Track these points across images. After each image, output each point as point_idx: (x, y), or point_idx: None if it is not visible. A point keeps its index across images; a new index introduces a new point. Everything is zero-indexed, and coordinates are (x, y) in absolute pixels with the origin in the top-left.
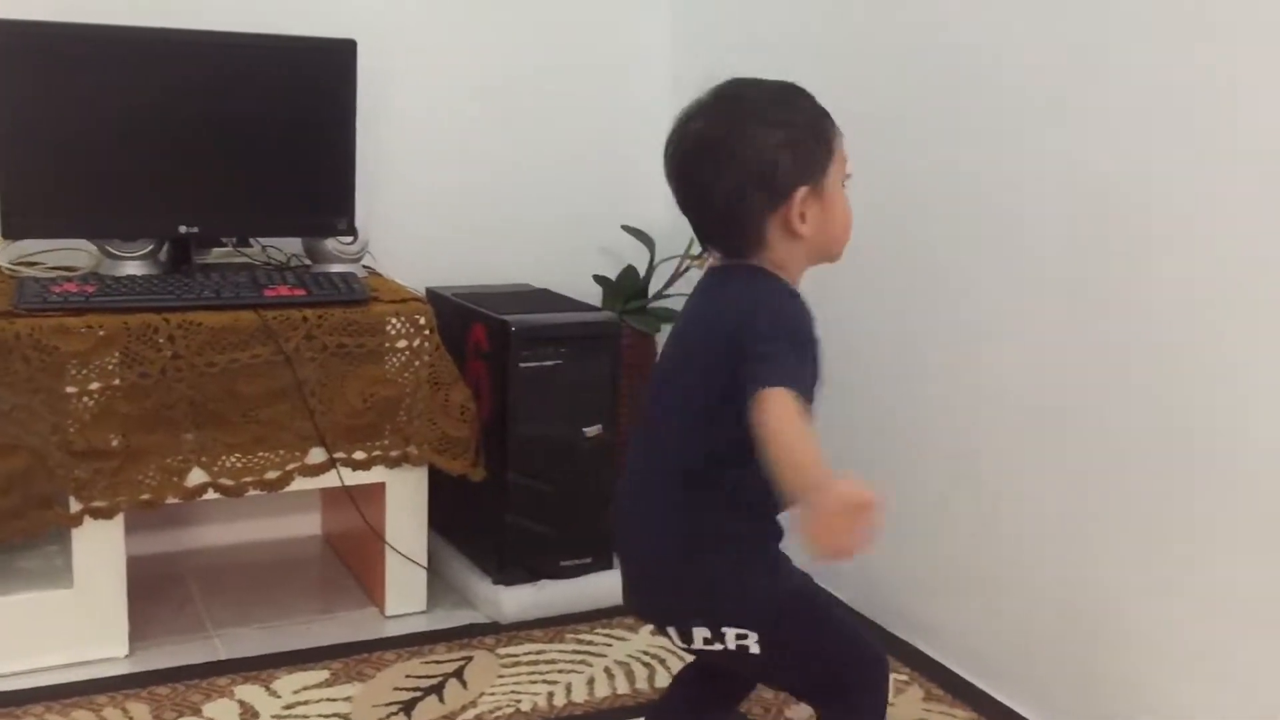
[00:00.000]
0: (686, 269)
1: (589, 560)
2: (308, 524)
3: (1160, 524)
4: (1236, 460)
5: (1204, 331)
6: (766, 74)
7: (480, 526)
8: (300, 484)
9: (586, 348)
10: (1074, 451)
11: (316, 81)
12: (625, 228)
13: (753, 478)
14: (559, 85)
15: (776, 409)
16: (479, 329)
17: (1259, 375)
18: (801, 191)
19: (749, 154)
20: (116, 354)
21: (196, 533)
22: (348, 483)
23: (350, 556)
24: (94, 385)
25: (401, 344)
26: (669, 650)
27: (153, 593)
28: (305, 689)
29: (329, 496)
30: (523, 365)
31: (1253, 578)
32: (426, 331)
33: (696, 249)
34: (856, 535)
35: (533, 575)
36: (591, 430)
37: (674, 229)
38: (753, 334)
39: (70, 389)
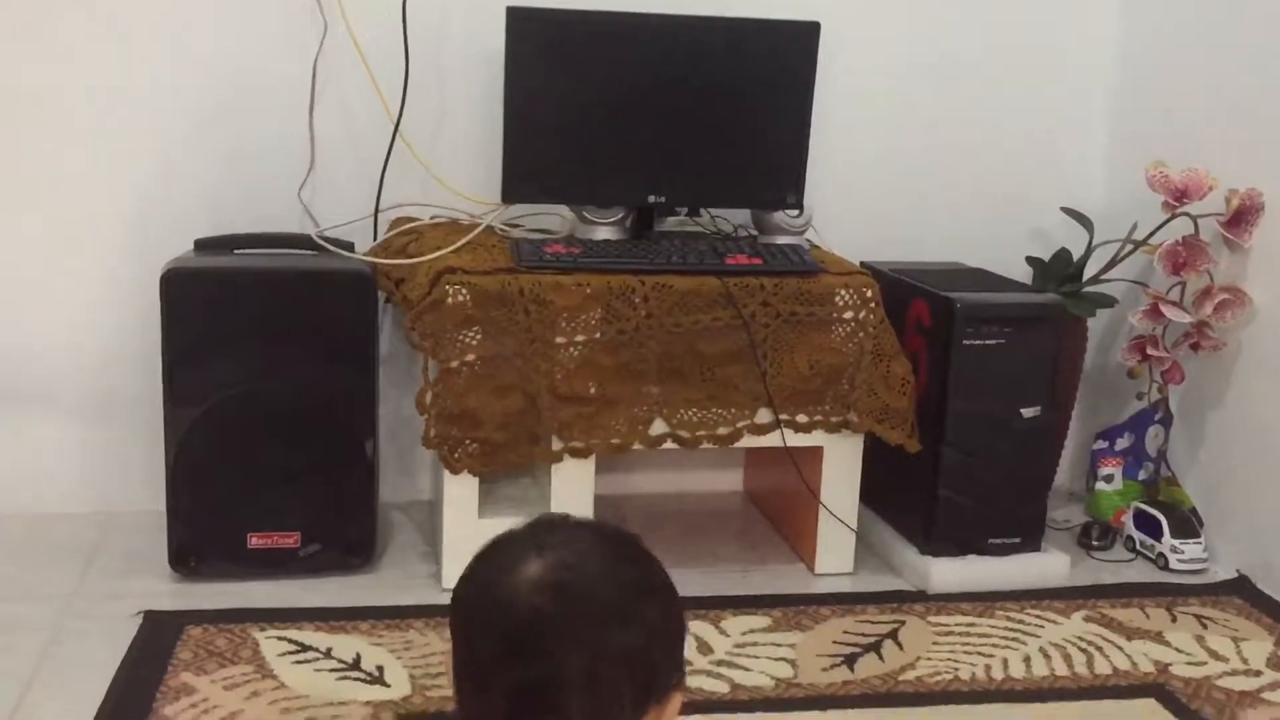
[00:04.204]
0: (1129, 254)
1: (1018, 540)
2: (730, 480)
3: None
4: None
5: None
6: (1222, 67)
7: (910, 498)
8: (748, 441)
9: (1028, 329)
10: None
11: (780, 62)
12: (1065, 210)
13: None
14: (1001, 66)
15: None
16: (920, 305)
17: None
18: (678, 695)
19: (618, 651)
20: (599, 310)
21: (627, 480)
22: (789, 444)
23: (777, 514)
24: (579, 337)
25: (848, 315)
26: (1105, 639)
27: None
28: (751, 631)
29: (753, 455)
30: (965, 343)
31: None
32: (872, 304)
33: (1140, 234)
34: None
35: (960, 550)
36: (1029, 411)
37: (1112, 212)
38: None
39: (559, 339)
